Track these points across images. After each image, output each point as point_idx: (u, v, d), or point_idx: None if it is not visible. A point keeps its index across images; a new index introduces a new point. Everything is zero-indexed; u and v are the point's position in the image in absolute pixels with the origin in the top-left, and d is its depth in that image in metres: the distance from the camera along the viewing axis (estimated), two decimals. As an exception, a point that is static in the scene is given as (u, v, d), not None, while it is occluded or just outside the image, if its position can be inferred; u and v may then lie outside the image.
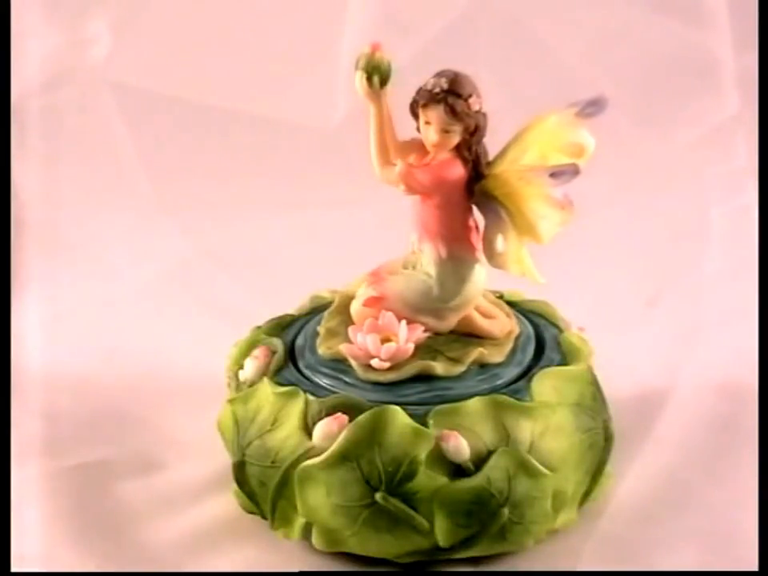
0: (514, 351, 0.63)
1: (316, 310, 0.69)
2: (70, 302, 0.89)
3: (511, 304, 0.68)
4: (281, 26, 1.05)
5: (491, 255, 0.62)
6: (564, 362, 0.64)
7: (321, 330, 0.65)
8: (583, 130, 0.60)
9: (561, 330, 0.67)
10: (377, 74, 0.59)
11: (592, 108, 0.60)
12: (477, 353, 0.62)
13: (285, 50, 1.04)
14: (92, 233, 0.97)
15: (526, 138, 0.60)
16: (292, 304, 0.70)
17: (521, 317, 0.67)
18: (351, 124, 0.99)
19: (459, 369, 0.61)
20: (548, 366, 0.63)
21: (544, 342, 0.65)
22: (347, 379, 0.62)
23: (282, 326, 0.68)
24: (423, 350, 0.62)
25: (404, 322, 0.62)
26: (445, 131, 0.60)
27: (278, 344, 0.65)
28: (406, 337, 0.61)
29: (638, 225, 0.97)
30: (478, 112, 0.60)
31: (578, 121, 0.60)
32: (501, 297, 0.69)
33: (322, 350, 0.63)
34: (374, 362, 0.61)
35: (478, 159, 0.61)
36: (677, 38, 1.04)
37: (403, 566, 0.60)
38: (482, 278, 0.63)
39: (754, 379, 0.74)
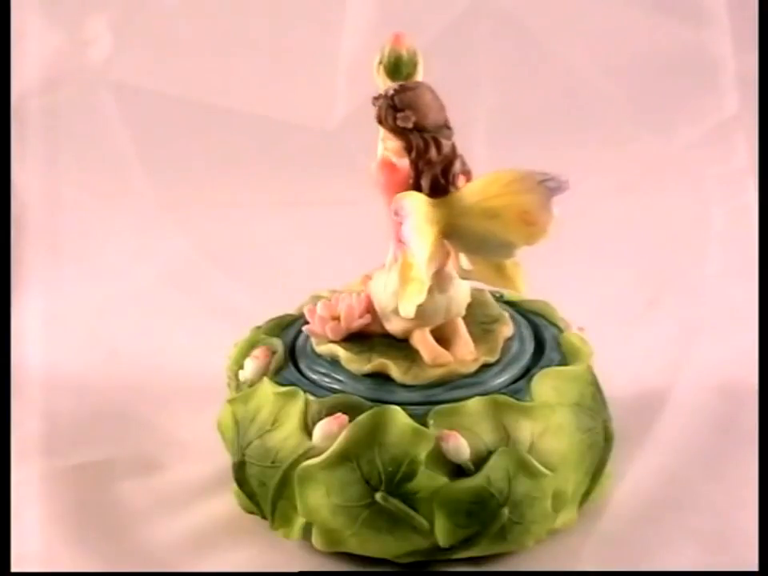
0: (436, 385, 0.60)
1: (316, 309, 0.69)
2: (71, 301, 0.89)
3: (511, 304, 0.68)
4: (281, 26, 1.05)
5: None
6: (564, 362, 0.63)
7: None
8: (545, 202, 0.55)
9: (561, 330, 0.67)
10: (382, 65, 0.59)
11: (554, 183, 0.55)
12: (378, 362, 0.61)
13: (285, 49, 1.04)
14: (92, 233, 0.98)
15: (476, 183, 0.58)
16: (292, 304, 0.70)
17: (519, 318, 0.67)
18: (351, 124, 0.99)
19: (361, 368, 0.61)
20: (548, 365, 0.63)
21: (544, 342, 0.65)
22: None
23: (282, 326, 0.68)
24: (362, 340, 0.62)
25: (345, 303, 0.62)
26: (385, 137, 0.59)
27: (278, 344, 0.65)
28: (344, 317, 0.62)
29: (639, 225, 0.97)
30: (409, 130, 0.57)
31: (540, 189, 0.55)
32: (500, 297, 0.69)
33: None
34: (305, 327, 0.64)
35: (417, 182, 0.58)
36: (677, 38, 1.04)
37: (403, 565, 0.59)
38: (426, 300, 0.58)
39: (754, 379, 0.74)
